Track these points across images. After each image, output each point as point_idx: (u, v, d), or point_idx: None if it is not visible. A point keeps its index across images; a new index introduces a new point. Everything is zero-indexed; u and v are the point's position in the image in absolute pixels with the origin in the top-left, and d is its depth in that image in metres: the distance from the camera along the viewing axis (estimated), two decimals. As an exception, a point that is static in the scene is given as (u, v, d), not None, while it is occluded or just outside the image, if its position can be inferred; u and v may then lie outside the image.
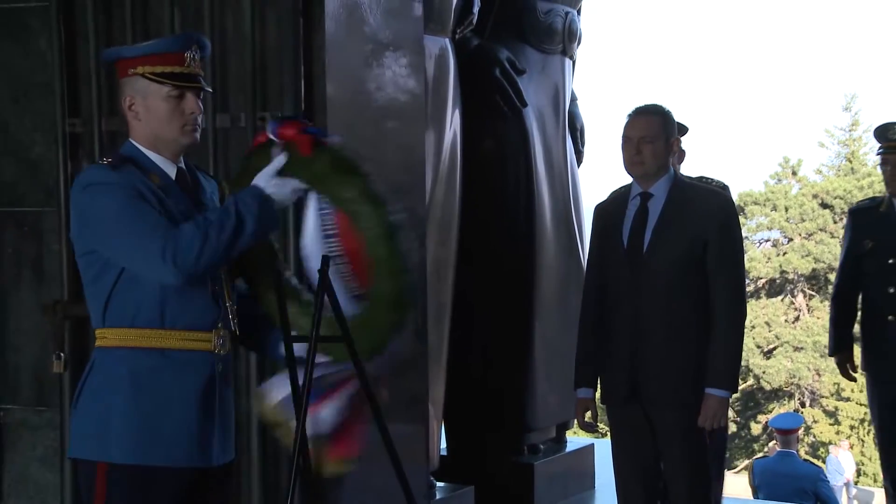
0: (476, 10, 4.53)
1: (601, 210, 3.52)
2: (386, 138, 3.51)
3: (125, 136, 2.46)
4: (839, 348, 4.30)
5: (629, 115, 3.39)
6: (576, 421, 4.35)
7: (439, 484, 4.22)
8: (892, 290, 4.04)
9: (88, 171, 2.41)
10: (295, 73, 3.16)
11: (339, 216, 2.39)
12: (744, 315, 3.30)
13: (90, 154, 3.38)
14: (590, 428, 3.48)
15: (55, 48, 3.40)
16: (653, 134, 3.28)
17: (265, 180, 2.32)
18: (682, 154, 4.15)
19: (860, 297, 4.22)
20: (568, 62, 5.13)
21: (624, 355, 3.27)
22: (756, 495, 6.63)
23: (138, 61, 2.35)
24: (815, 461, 9.18)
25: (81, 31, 3.41)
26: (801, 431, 20.43)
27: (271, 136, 2.37)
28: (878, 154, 4.23)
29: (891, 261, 4.05)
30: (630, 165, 3.33)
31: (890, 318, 4.04)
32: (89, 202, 2.30)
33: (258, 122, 3.17)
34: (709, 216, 3.26)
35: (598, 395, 3.51)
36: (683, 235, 3.24)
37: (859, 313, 4.24)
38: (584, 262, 3.81)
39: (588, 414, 3.43)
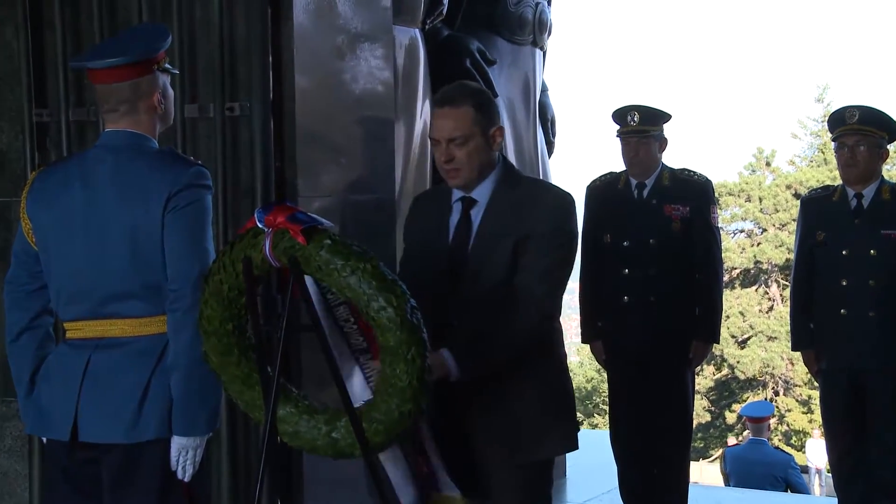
0: (446, 0, 4.54)
1: (418, 205, 2.83)
2: (356, 128, 3.51)
3: (93, 126, 2.46)
4: (803, 344, 4.03)
5: (434, 105, 2.63)
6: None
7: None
8: (844, 283, 3.82)
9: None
10: (263, 63, 3.14)
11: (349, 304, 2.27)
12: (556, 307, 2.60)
13: (57, 144, 3.36)
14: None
15: (21, 38, 3.39)
16: (465, 132, 2.52)
17: None
18: (664, 142, 4.14)
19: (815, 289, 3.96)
20: (538, 53, 5.15)
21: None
22: (728, 483, 6.68)
23: (163, 54, 2.45)
24: (787, 449, 9.28)
25: (48, 21, 3.39)
26: (774, 420, 20.52)
27: (259, 224, 2.27)
28: (833, 140, 3.96)
29: (844, 252, 3.83)
30: (443, 173, 2.62)
31: (843, 311, 3.82)
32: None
33: (226, 112, 3.17)
34: (533, 220, 2.54)
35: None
36: (507, 248, 2.54)
37: (814, 306, 3.97)
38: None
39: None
